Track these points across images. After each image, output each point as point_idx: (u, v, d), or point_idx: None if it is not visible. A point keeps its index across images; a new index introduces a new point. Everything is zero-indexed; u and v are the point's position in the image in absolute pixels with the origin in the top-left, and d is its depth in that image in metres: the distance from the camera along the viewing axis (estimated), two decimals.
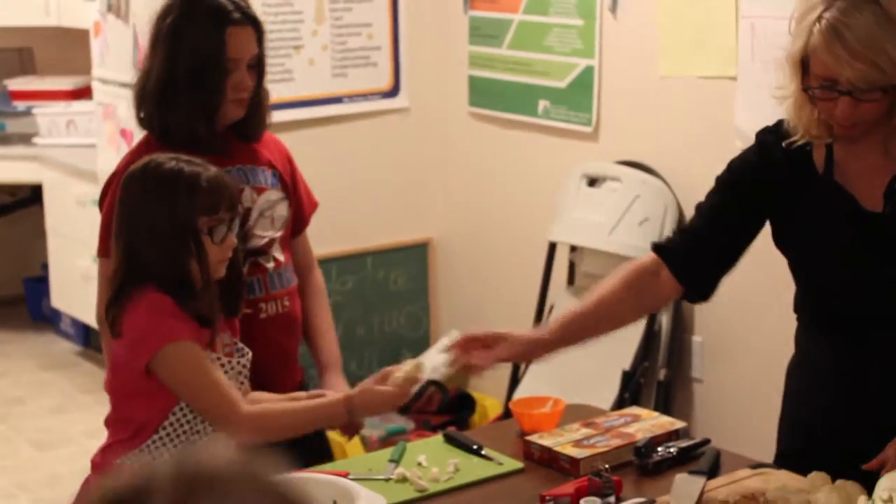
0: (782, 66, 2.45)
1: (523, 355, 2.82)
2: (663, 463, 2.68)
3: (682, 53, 4.25)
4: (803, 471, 2.46)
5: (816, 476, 2.40)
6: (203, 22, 2.78)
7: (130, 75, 5.05)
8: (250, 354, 2.66)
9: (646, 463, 2.68)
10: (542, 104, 4.76)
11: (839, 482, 2.35)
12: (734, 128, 4.10)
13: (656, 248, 2.69)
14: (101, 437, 2.70)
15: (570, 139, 4.68)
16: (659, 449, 2.72)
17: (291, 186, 2.98)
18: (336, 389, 2.88)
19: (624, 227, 4.34)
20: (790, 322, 3.95)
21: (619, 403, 4.13)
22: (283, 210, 2.92)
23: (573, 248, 4.63)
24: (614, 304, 2.67)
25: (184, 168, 2.57)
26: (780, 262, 4.02)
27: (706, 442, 2.80)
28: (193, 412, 2.56)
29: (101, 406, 2.83)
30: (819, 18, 2.30)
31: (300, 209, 3.03)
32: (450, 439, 2.88)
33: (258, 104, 2.89)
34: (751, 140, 4.02)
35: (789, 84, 2.43)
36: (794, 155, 2.49)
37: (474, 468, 2.71)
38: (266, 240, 2.89)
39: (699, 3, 4.15)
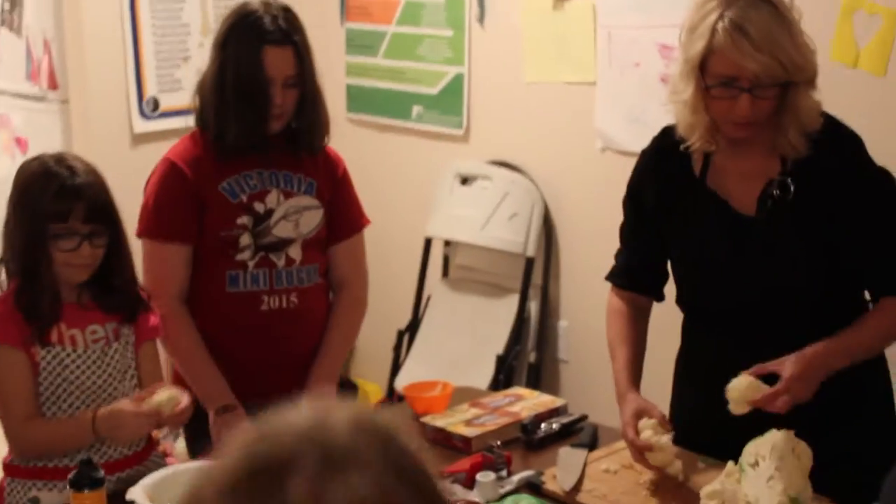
0: (673, 75, 2.42)
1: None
2: (547, 438, 2.70)
3: (545, 61, 4.28)
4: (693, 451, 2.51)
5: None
6: (245, 38, 2.72)
7: (24, 86, 4.96)
8: (133, 352, 2.63)
9: (532, 438, 2.69)
10: (416, 109, 4.76)
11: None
12: (594, 129, 4.15)
13: (615, 280, 2.71)
14: None
15: (442, 141, 4.68)
16: (542, 425, 2.74)
17: (332, 199, 2.90)
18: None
19: (495, 222, 4.36)
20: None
21: (495, 385, 4.16)
22: (311, 217, 2.85)
23: (447, 243, 4.65)
24: (639, 339, 2.65)
25: (51, 171, 2.53)
26: None
27: (584, 417, 2.83)
28: (58, 405, 2.53)
29: None
30: (721, 17, 2.27)
31: (341, 222, 2.94)
32: None
33: (308, 124, 2.83)
34: (609, 140, 4.12)
35: (685, 89, 2.36)
36: (673, 160, 2.48)
37: None
38: (282, 239, 2.82)
39: (560, 14, 4.18)
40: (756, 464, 2.26)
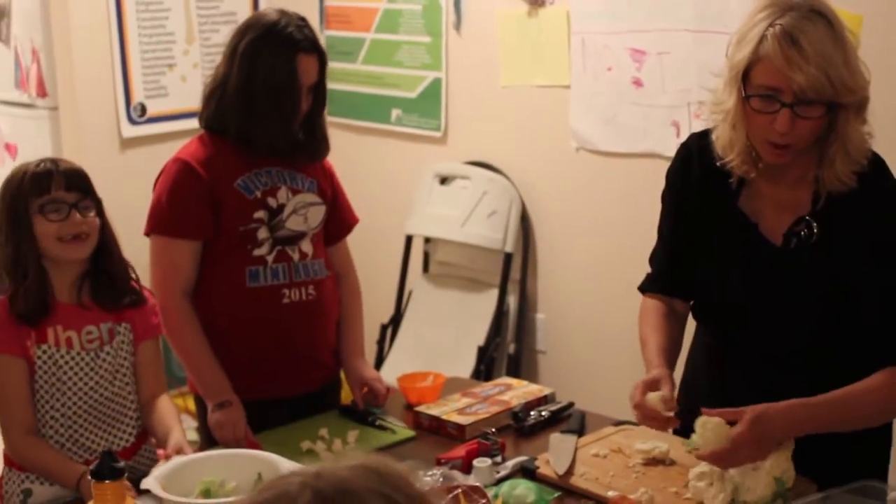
0: (716, 88, 2.25)
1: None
2: (537, 425, 2.72)
3: (521, 65, 4.30)
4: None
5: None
6: (278, 47, 2.75)
7: (13, 94, 4.92)
8: (128, 349, 2.62)
9: (523, 426, 2.71)
10: (395, 113, 4.77)
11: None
12: (569, 129, 4.17)
13: (644, 290, 2.54)
14: None
15: (421, 143, 4.69)
16: (532, 413, 2.76)
17: (331, 198, 2.94)
18: (357, 371, 2.91)
19: (474, 219, 4.38)
20: (617, 303, 4.06)
21: (476, 375, 4.18)
22: (317, 213, 2.88)
23: (427, 240, 4.66)
24: (673, 332, 2.47)
25: (28, 163, 2.53)
26: (606, 252, 4.13)
27: (571, 405, 2.84)
28: (50, 402, 2.52)
29: None
30: (772, 25, 2.10)
31: (339, 221, 3.00)
32: (345, 413, 2.87)
33: (314, 129, 2.89)
34: (584, 140, 4.14)
35: (727, 99, 2.20)
36: (713, 163, 2.31)
37: (371, 438, 2.72)
38: (295, 232, 2.85)
39: (535, 21, 4.20)
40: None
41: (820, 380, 2.30)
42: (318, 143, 2.92)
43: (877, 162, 2.25)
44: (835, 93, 2.11)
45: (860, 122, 2.19)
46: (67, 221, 2.50)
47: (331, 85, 4.94)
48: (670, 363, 2.40)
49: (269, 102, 2.75)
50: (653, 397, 2.29)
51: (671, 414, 2.26)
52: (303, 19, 2.84)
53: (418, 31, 4.60)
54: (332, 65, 4.96)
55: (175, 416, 2.64)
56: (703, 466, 2.29)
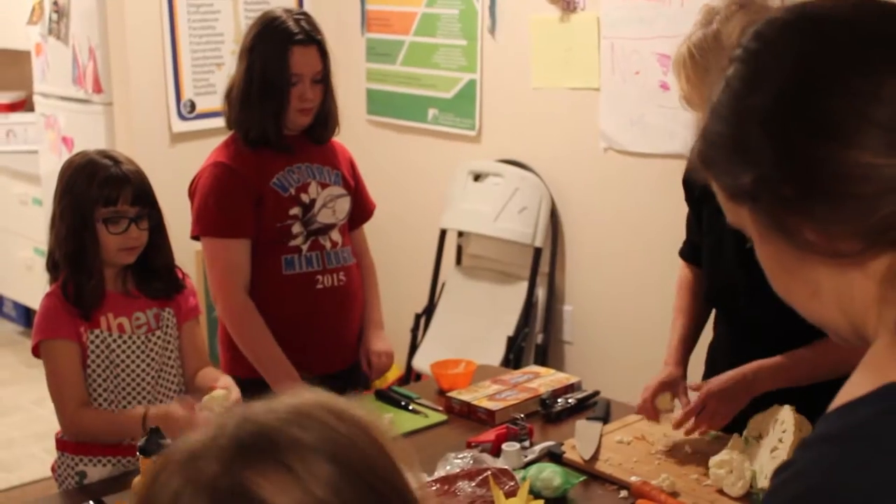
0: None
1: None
2: (564, 412, 2.70)
3: (552, 68, 4.27)
4: None
5: None
6: (273, 41, 2.74)
7: (71, 90, 4.95)
8: (173, 333, 2.61)
9: (550, 412, 2.69)
10: (432, 112, 4.75)
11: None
12: (598, 130, 4.14)
13: (682, 255, 2.58)
14: (48, 405, 2.62)
15: (456, 141, 4.67)
16: (559, 400, 2.74)
17: (354, 187, 2.94)
18: (374, 343, 2.92)
19: (506, 215, 4.36)
20: (641, 296, 4.05)
21: (505, 363, 4.16)
22: (344, 204, 2.89)
23: (461, 234, 4.64)
24: (699, 311, 2.53)
25: (96, 161, 2.51)
26: (631, 247, 4.10)
27: (597, 393, 2.83)
28: (103, 385, 2.52)
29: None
30: (689, 37, 2.15)
31: (360, 210, 3.01)
32: (381, 397, 2.87)
33: (326, 113, 2.86)
34: (612, 140, 4.12)
35: None
36: None
37: (405, 421, 2.70)
38: (325, 225, 2.85)
39: (566, 26, 4.17)
40: (760, 436, 2.26)
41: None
42: (323, 128, 2.89)
43: None
44: None
45: None
46: (125, 235, 2.50)
47: (370, 85, 5.00)
48: (685, 353, 2.47)
49: (262, 93, 2.74)
50: (663, 399, 2.41)
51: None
52: (305, 14, 2.82)
53: (455, 35, 4.58)
54: (373, 65, 5.00)
55: (219, 373, 2.65)
56: (723, 455, 2.27)
